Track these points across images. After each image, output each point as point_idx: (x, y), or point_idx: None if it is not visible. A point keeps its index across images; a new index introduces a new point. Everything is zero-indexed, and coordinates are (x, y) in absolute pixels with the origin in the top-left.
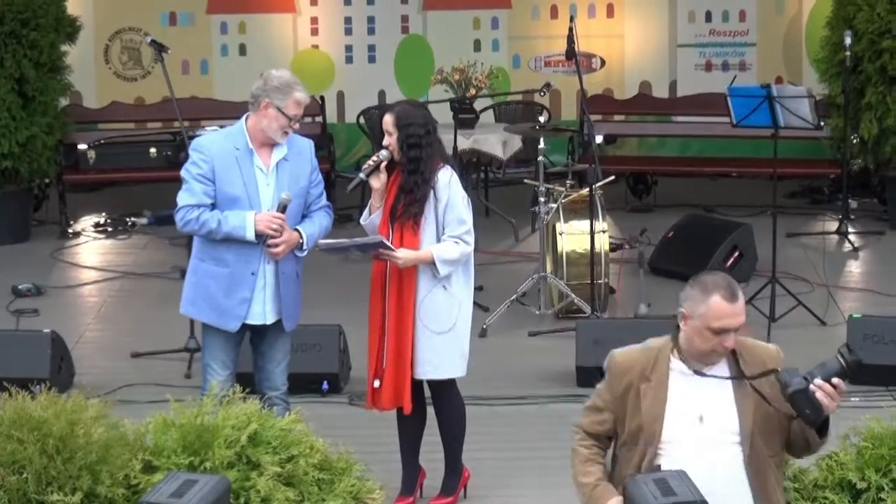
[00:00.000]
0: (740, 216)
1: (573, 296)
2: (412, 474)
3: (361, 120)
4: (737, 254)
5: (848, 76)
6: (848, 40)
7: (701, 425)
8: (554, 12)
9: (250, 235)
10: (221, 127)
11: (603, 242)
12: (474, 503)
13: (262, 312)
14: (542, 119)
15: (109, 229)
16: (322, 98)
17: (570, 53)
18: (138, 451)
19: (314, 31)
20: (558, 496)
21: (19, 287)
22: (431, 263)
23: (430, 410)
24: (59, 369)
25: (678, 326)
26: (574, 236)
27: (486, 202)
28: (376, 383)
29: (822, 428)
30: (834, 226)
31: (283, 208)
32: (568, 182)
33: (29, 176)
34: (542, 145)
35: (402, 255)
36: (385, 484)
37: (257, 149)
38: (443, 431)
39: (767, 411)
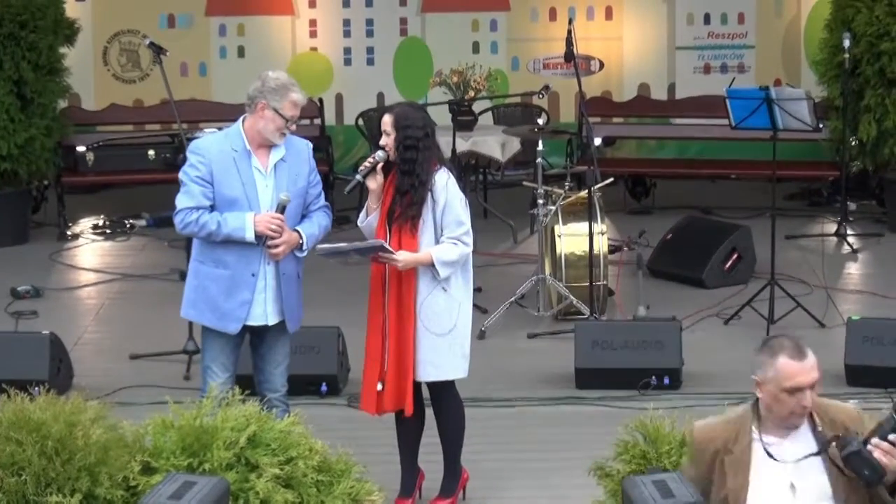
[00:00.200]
0: (739, 218)
1: (572, 298)
2: (411, 476)
3: (360, 122)
4: (735, 256)
5: (847, 78)
6: (847, 42)
7: (793, 495)
8: (552, 14)
9: (250, 236)
10: (220, 129)
11: (602, 244)
12: None
13: (264, 314)
14: (540, 121)
15: (108, 231)
16: (320, 100)
17: (569, 56)
18: (137, 452)
19: (313, 34)
20: (557, 497)
21: (18, 289)
22: (431, 265)
23: (429, 412)
24: (57, 371)
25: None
26: (573, 238)
27: (484, 204)
28: (379, 386)
29: (894, 488)
30: (833, 228)
31: (282, 209)
32: (567, 184)
33: (27, 178)
34: (540, 147)
35: (402, 258)
36: (384, 486)
37: (255, 150)
38: (442, 433)
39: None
